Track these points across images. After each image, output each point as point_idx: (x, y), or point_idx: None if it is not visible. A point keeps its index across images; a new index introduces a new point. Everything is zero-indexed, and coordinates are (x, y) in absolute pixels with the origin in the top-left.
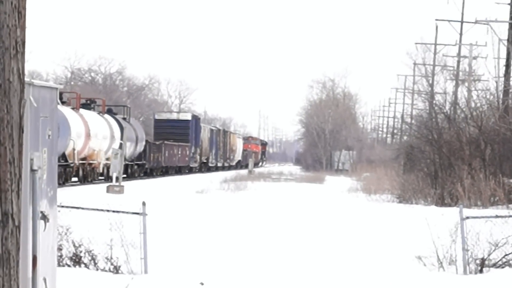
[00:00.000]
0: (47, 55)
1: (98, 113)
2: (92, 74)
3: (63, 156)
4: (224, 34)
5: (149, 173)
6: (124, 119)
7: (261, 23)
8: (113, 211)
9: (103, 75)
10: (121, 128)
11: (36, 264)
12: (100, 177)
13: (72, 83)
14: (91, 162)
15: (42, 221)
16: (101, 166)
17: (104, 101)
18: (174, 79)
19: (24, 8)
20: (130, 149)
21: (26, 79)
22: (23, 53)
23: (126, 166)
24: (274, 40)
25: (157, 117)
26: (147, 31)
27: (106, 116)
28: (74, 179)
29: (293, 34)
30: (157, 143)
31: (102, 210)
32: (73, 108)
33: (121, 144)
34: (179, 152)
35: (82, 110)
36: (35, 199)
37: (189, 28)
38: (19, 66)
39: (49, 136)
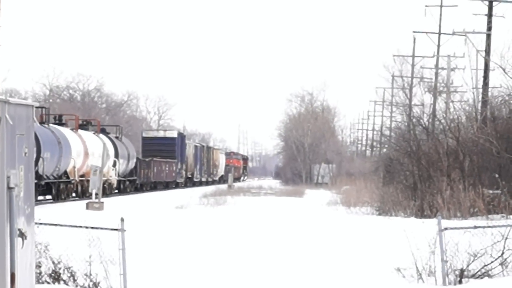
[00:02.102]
0: (25, 73)
1: (94, 133)
2: (71, 91)
3: (65, 173)
4: (202, 49)
5: (139, 188)
6: (116, 137)
7: (239, 38)
8: (92, 228)
9: (82, 92)
10: (115, 147)
11: (14, 281)
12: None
13: (50, 100)
14: (89, 179)
15: (19, 239)
16: None
17: (99, 122)
18: (152, 95)
19: None
20: (122, 166)
21: (2, 97)
22: None
23: (118, 182)
24: (252, 55)
25: (144, 135)
26: (125, 48)
27: (101, 135)
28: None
29: (271, 48)
30: (147, 160)
31: (80, 226)
32: (72, 129)
33: (115, 161)
34: (167, 168)
35: (80, 131)
36: (12, 216)
37: (167, 44)
38: None
39: (25, 153)
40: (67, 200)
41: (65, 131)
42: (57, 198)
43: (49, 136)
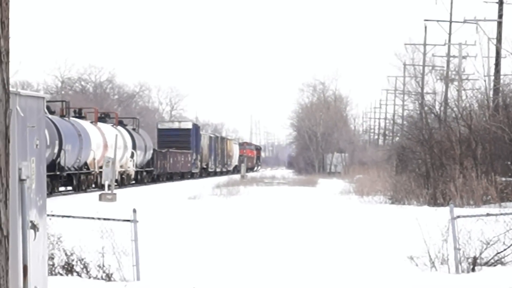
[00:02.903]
0: (37, 65)
1: (112, 125)
2: (83, 83)
3: (85, 165)
4: (214, 39)
5: (156, 179)
6: (134, 129)
7: (251, 28)
8: (104, 219)
9: (94, 83)
10: (132, 138)
11: (27, 273)
12: (115, 184)
13: (62, 92)
14: None
15: (32, 231)
16: (116, 173)
17: (117, 114)
18: (164, 86)
19: (7, 18)
20: (140, 157)
21: (13, 89)
22: (7, 63)
23: (136, 173)
24: (264, 44)
25: (160, 126)
26: (136, 39)
27: (119, 128)
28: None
29: (283, 38)
30: (163, 151)
31: (93, 218)
32: (91, 122)
33: (132, 152)
34: (182, 159)
35: (99, 124)
36: (24, 208)
37: (179, 34)
38: (3, 76)
39: (37, 145)
40: (87, 191)
41: (85, 124)
42: (78, 189)
43: (70, 129)
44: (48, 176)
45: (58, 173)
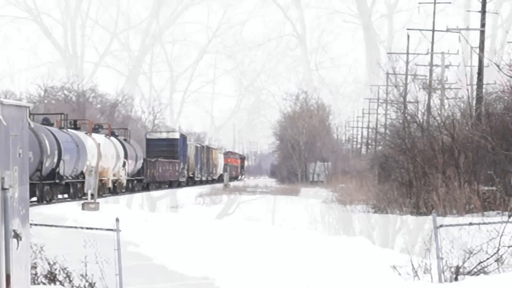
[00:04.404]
0: (20, 74)
1: (105, 136)
2: (65, 92)
3: (81, 174)
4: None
5: (146, 187)
6: (125, 140)
7: (233, 36)
8: (87, 228)
9: (76, 92)
10: (124, 148)
11: (9, 282)
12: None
13: (45, 101)
14: (101, 178)
15: (14, 240)
16: (110, 181)
17: (109, 125)
18: (146, 95)
19: None
20: (131, 166)
21: None
22: None
23: (128, 181)
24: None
25: (148, 136)
26: (118, 47)
27: (112, 138)
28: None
29: None
30: (152, 160)
31: (76, 227)
32: (86, 133)
33: (124, 162)
34: (170, 168)
35: (93, 134)
36: (6, 217)
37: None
38: None
39: (19, 154)
40: (83, 199)
41: (81, 135)
42: (74, 197)
43: (68, 140)
44: (48, 184)
45: (57, 181)
